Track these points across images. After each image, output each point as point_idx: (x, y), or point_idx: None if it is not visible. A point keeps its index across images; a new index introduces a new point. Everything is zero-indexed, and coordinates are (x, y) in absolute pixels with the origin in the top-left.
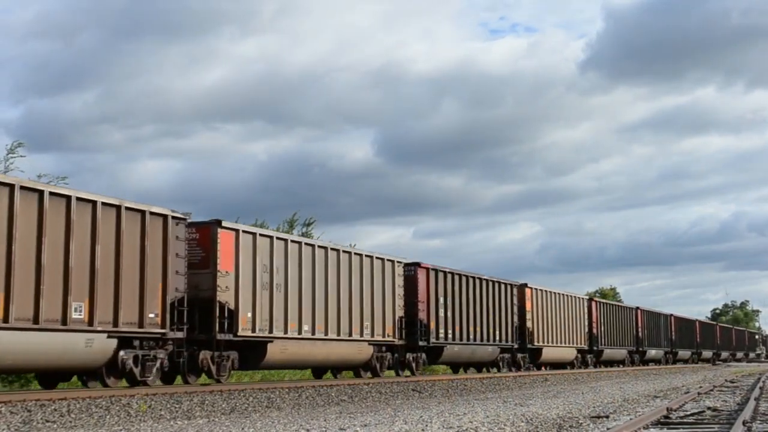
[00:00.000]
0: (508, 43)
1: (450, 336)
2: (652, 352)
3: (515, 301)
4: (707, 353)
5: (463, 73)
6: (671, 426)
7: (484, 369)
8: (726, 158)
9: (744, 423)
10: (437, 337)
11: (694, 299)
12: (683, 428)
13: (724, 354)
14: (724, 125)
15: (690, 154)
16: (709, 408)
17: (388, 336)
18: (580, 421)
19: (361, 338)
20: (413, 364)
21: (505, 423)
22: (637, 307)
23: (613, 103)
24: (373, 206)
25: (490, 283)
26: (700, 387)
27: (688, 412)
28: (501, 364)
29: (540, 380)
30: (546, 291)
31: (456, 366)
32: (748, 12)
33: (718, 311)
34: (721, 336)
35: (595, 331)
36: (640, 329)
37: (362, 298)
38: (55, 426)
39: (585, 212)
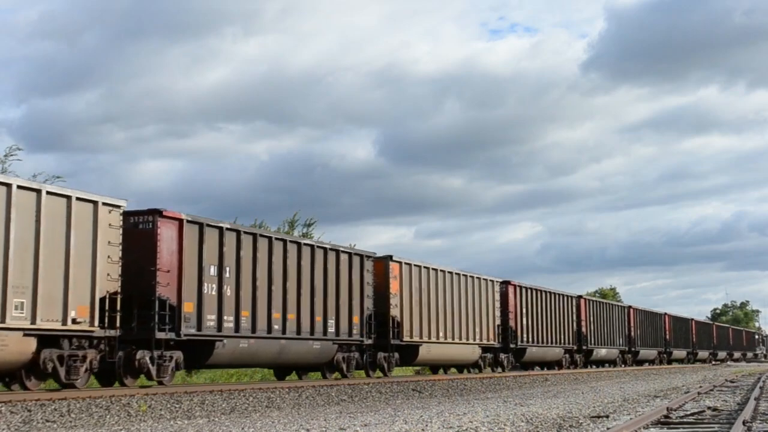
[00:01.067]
0: (511, 43)
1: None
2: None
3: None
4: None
5: (466, 74)
6: (671, 426)
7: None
8: (728, 158)
9: (744, 423)
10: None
11: (695, 299)
12: (683, 428)
13: (721, 354)
14: (726, 125)
15: (692, 154)
16: (709, 408)
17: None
18: (580, 421)
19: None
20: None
21: (505, 423)
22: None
23: (615, 103)
24: (375, 206)
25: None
26: (700, 387)
27: (688, 412)
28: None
29: (540, 380)
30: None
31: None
32: (751, 12)
33: (718, 311)
34: (718, 336)
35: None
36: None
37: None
38: (55, 426)
39: (587, 212)
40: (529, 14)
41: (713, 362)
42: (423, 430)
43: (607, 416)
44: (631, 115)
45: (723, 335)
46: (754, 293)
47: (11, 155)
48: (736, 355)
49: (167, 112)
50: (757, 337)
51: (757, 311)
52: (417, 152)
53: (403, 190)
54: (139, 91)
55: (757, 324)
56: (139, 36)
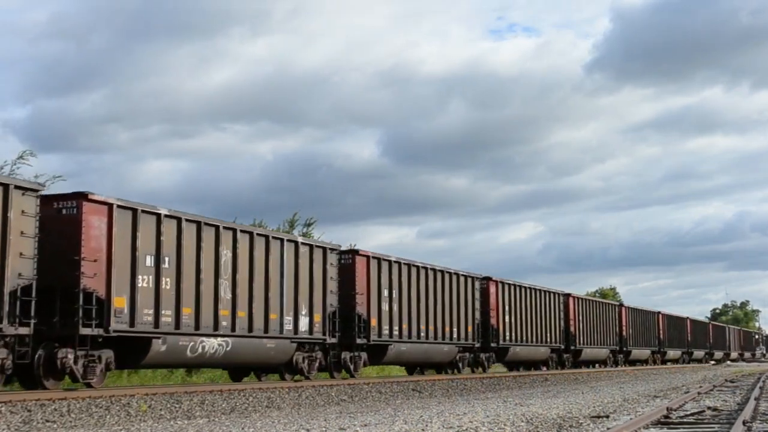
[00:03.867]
0: (517, 43)
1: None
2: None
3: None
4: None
5: (471, 74)
6: (671, 426)
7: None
8: (731, 159)
9: (744, 423)
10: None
11: (696, 299)
12: (683, 428)
13: (718, 354)
14: (729, 126)
15: (696, 154)
16: (709, 408)
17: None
18: (580, 421)
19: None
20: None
21: (505, 423)
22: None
23: (619, 103)
24: (378, 206)
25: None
26: (700, 387)
27: (688, 412)
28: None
29: (540, 380)
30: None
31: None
32: (758, 12)
33: (718, 311)
34: (715, 335)
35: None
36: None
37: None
38: (55, 426)
39: (589, 212)
40: (533, 15)
41: (712, 362)
42: (423, 430)
43: (607, 416)
44: (636, 116)
45: (720, 335)
46: (754, 293)
47: (22, 159)
48: (733, 355)
49: (172, 112)
50: (756, 336)
51: (757, 311)
52: (421, 152)
53: (406, 190)
54: (144, 92)
55: (757, 324)
56: (147, 36)
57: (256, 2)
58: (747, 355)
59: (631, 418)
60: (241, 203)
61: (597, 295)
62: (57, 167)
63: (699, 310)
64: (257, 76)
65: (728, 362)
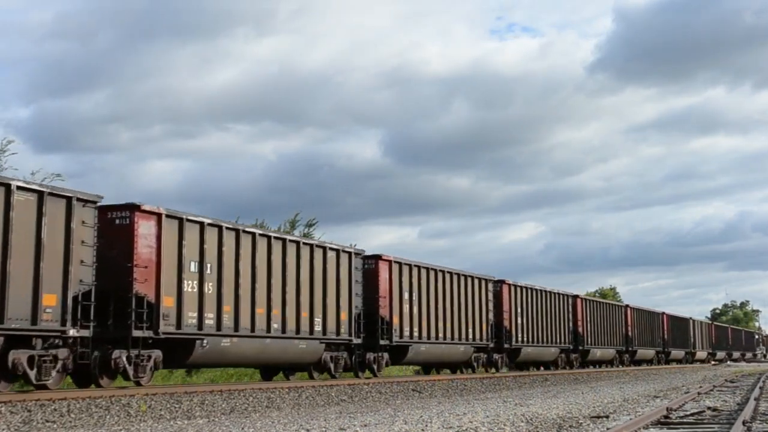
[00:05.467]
0: (521, 44)
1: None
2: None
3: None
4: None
5: (475, 74)
6: (671, 426)
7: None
8: (733, 159)
9: (744, 423)
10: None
11: (696, 299)
12: (683, 428)
13: (720, 354)
14: (731, 126)
15: (698, 154)
16: (709, 408)
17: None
18: (580, 421)
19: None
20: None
21: (505, 423)
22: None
23: (621, 103)
24: (380, 206)
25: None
26: (700, 387)
27: (688, 412)
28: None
29: (540, 380)
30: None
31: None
32: (762, 12)
33: (718, 311)
34: (717, 336)
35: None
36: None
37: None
38: (55, 426)
39: (591, 212)
40: (537, 15)
41: (713, 362)
42: (423, 430)
43: (607, 416)
44: (638, 116)
45: (722, 335)
46: (755, 293)
47: (4, 150)
48: (735, 355)
49: (174, 112)
50: (756, 336)
51: (757, 311)
52: (423, 152)
53: (408, 191)
54: (147, 92)
55: (757, 324)
56: (151, 36)
57: (260, 2)
58: (749, 355)
59: (631, 418)
60: (243, 203)
61: (597, 294)
62: (59, 167)
63: (699, 310)
64: (261, 76)
65: (729, 362)
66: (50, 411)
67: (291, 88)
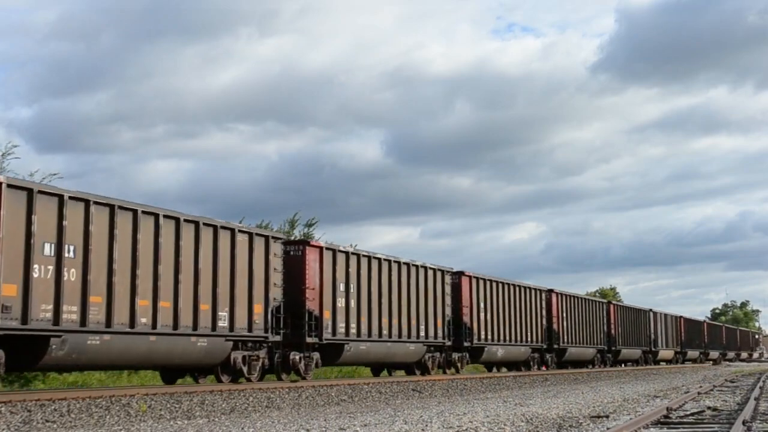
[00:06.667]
0: (525, 44)
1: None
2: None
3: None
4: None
5: (478, 74)
6: (671, 426)
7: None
8: (734, 159)
9: (744, 423)
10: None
11: (696, 299)
12: (683, 428)
13: (713, 354)
14: (733, 126)
15: (700, 154)
16: (709, 408)
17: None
18: (580, 421)
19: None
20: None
21: (505, 423)
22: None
23: (624, 104)
24: (382, 206)
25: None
26: (700, 387)
27: (688, 412)
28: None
29: (540, 380)
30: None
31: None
32: (765, 12)
33: (718, 311)
34: (710, 335)
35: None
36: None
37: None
38: (55, 426)
39: (593, 212)
40: (536, 15)
41: (713, 363)
42: (423, 430)
43: (607, 416)
44: (640, 116)
45: (716, 334)
46: (755, 293)
47: (9, 153)
48: (730, 355)
49: (177, 112)
50: (756, 336)
51: (757, 311)
52: (425, 152)
53: (410, 190)
54: (150, 92)
55: (757, 324)
56: (154, 36)
57: (264, 2)
58: (744, 355)
59: (631, 418)
60: (245, 203)
61: (597, 294)
62: (62, 167)
63: (700, 310)
64: (264, 76)
65: (728, 363)
66: (50, 411)
67: (294, 88)
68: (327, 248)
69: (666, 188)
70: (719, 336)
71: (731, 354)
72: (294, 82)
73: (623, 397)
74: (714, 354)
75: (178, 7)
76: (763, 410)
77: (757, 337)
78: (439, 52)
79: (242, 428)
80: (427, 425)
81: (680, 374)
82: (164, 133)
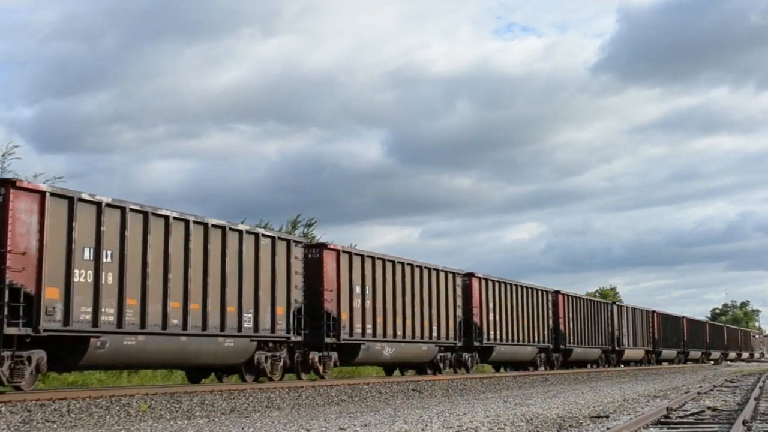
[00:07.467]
0: (526, 44)
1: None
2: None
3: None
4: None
5: (479, 74)
6: (671, 426)
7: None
8: (735, 159)
9: (744, 423)
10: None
11: (697, 299)
12: (683, 428)
13: (715, 354)
14: (734, 126)
15: (701, 154)
16: (709, 408)
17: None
18: (580, 421)
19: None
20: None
21: (505, 423)
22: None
23: (625, 104)
24: (383, 206)
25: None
26: (700, 387)
27: (688, 412)
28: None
29: (540, 380)
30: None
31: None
32: (766, 12)
33: (718, 311)
34: (711, 335)
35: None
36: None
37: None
38: (55, 426)
39: (593, 212)
40: (536, 15)
41: (713, 362)
42: (423, 430)
43: (607, 416)
44: (641, 116)
45: (717, 334)
46: (755, 293)
47: (10, 153)
48: (731, 355)
49: (178, 112)
50: (756, 336)
51: (757, 311)
52: (426, 152)
53: (411, 191)
54: (151, 92)
55: (757, 324)
56: (157, 37)
57: (266, 2)
58: (745, 355)
59: (631, 418)
60: (246, 203)
61: (597, 294)
62: (63, 167)
63: (700, 311)
64: (265, 76)
65: (728, 362)
66: (50, 411)
67: (295, 88)
68: (344, 251)
69: (666, 188)
70: (721, 336)
71: (732, 354)
72: (295, 82)
73: (623, 397)
74: (716, 354)
75: (180, 8)
76: (763, 410)
77: (757, 337)
78: (439, 52)
79: (242, 428)
80: (427, 425)
81: (680, 374)
82: (165, 133)
